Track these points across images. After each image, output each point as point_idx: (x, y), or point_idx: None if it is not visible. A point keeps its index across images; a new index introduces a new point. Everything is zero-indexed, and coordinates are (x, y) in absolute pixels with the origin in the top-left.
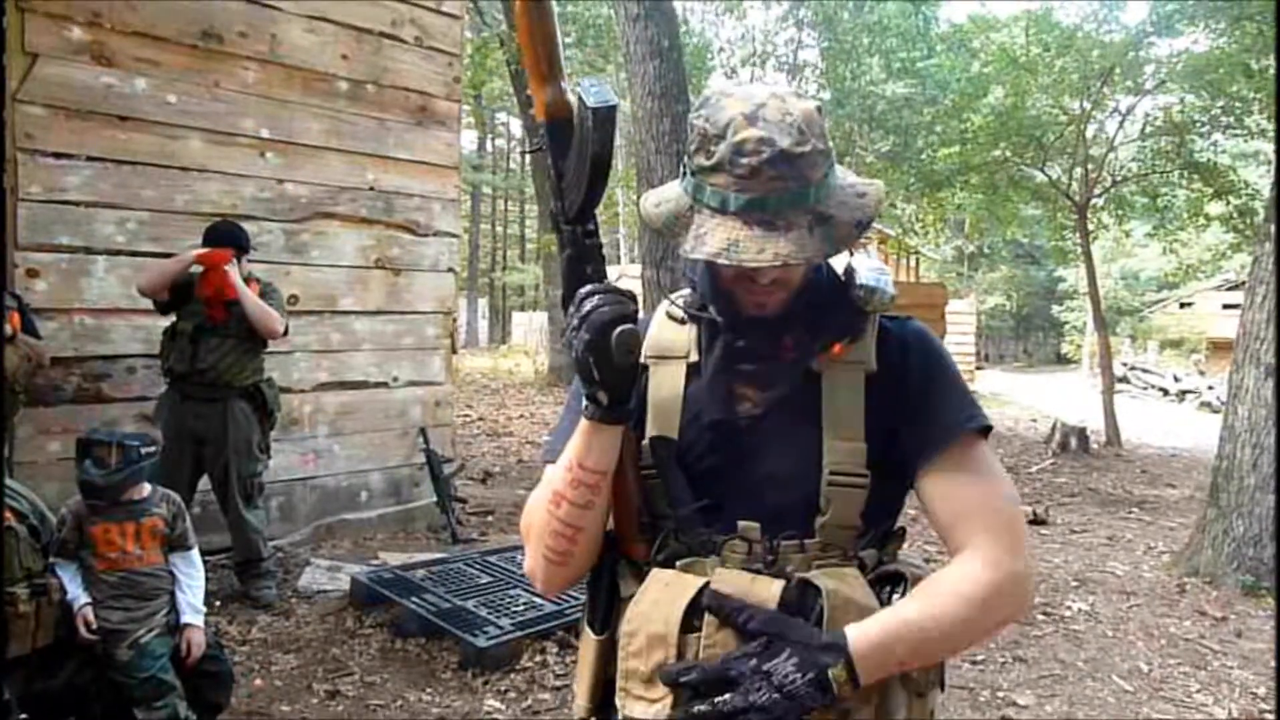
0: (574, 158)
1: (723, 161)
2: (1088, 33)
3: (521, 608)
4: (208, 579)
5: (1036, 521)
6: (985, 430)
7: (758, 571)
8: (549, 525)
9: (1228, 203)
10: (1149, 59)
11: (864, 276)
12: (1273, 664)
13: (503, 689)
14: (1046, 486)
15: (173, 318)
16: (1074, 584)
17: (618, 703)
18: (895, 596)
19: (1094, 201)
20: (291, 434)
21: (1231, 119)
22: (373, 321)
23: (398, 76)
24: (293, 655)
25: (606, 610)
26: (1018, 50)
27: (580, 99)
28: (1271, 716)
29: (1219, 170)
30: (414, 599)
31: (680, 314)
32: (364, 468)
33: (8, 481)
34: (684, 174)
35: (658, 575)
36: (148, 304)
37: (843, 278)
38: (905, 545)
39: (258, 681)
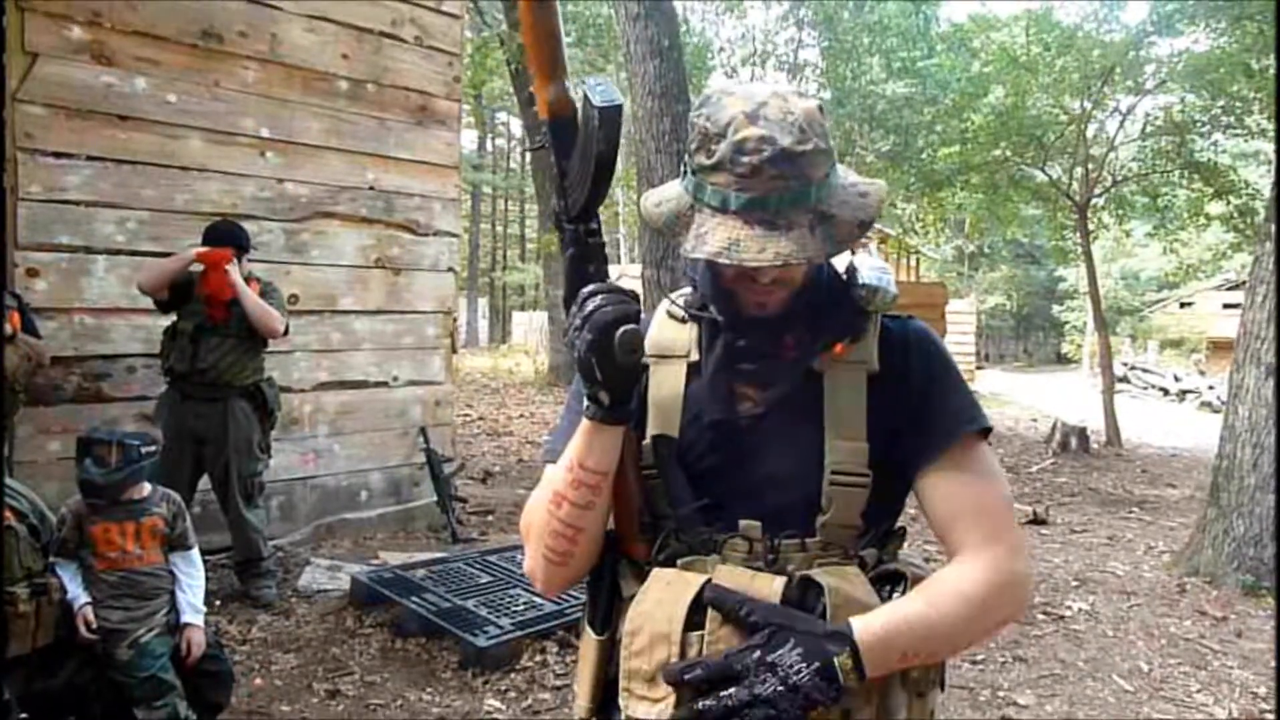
0: (578, 156)
1: (723, 160)
2: (1088, 32)
3: (522, 607)
4: (208, 578)
5: (1036, 521)
6: (986, 431)
7: (758, 569)
8: (549, 525)
9: (1228, 202)
10: (1149, 58)
11: (866, 276)
12: (1273, 664)
13: (503, 689)
14: (1047, 486)
15: (173, 317)
16: (1074, 584)
17: (621, 703)
18: (895, 595)
19: (1094, 201)
20: (292, 433)
21: (1232, 119)
22: (373, 321)
23: (398, 76)
24: (293, 655)
25: (607, 610)
26: (1018, 50)
27: (586, 98)
28: (1272, 716)
29: (1219, 170)
30: (414, 598)
31: (681, 313)
32: (364, 467)
33: (8, 481)
34: (685, 173)
35: (659, 574)
36: (148, 303)
37: (844, 277)
38: (905, 545)
39: (258, 681)
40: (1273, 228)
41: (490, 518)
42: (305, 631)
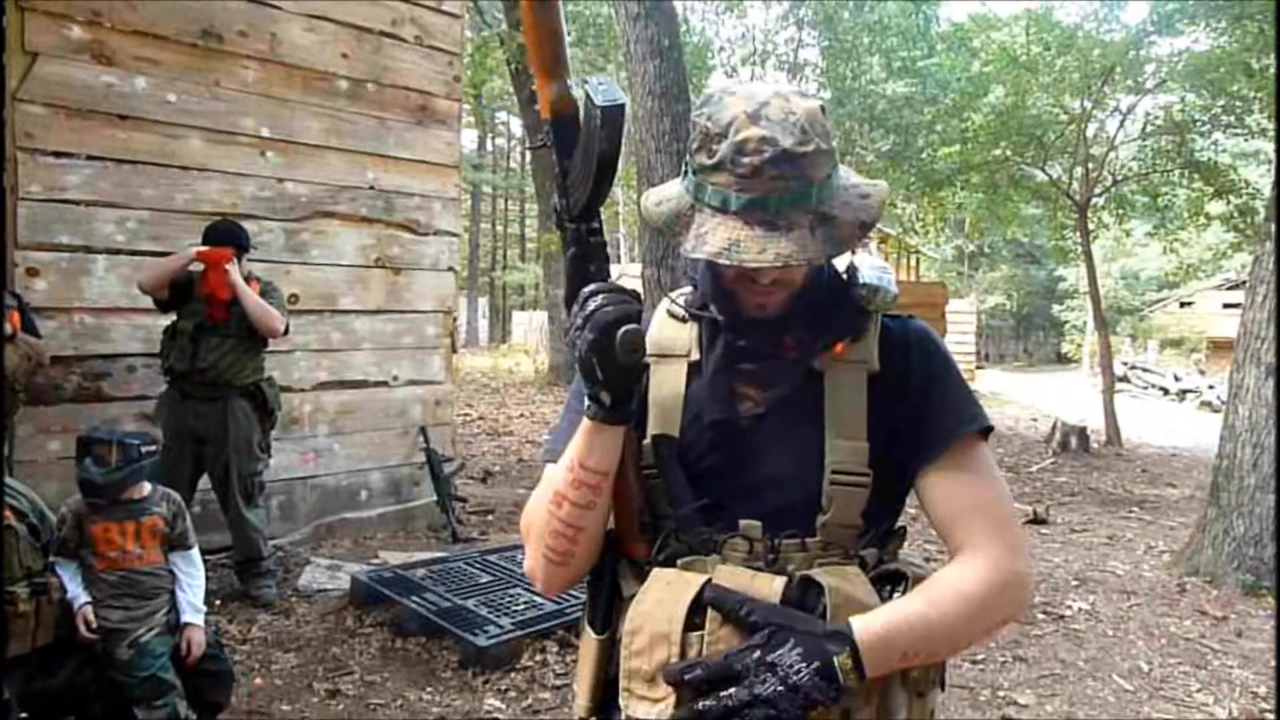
0: (580, 155)
1: (724, 160)
2: (1088, 32)
3: (522, 607)
4: (208, 578)
5: (1037, 521)
6: (986, 431)
7: (759, 569)
8: (550, 525)
9: (1228, 202)
10: (1150, 58)
11: (866, 275)
12: (1273, 663)
13: (503, 688)
14: (1047, 486)
15: (173, 316)
16: (1074, 583)
17: (621, 703)
18: (896, 595)
19: (1094, 201)
20: (292, 433)
21: (1232, 118)
22: (373, 320)
23: (398, 75)
24: (293, 654)
25: (607, 610)
26: (1018, 49)
27: (588, 97)
28: (1272, 716)
29: (1219, 169)
30: (414, 598)
31: (681, 312)
32: (364, 467)
33: (8, 480)
34: (685, 172)
35: (659, 574)
36: (148, 303)
37: (845, 277)
38: (905, 545)
39: (258, 680)
40: (1273, 227)
41: (490, 517)
42: (305, 631)
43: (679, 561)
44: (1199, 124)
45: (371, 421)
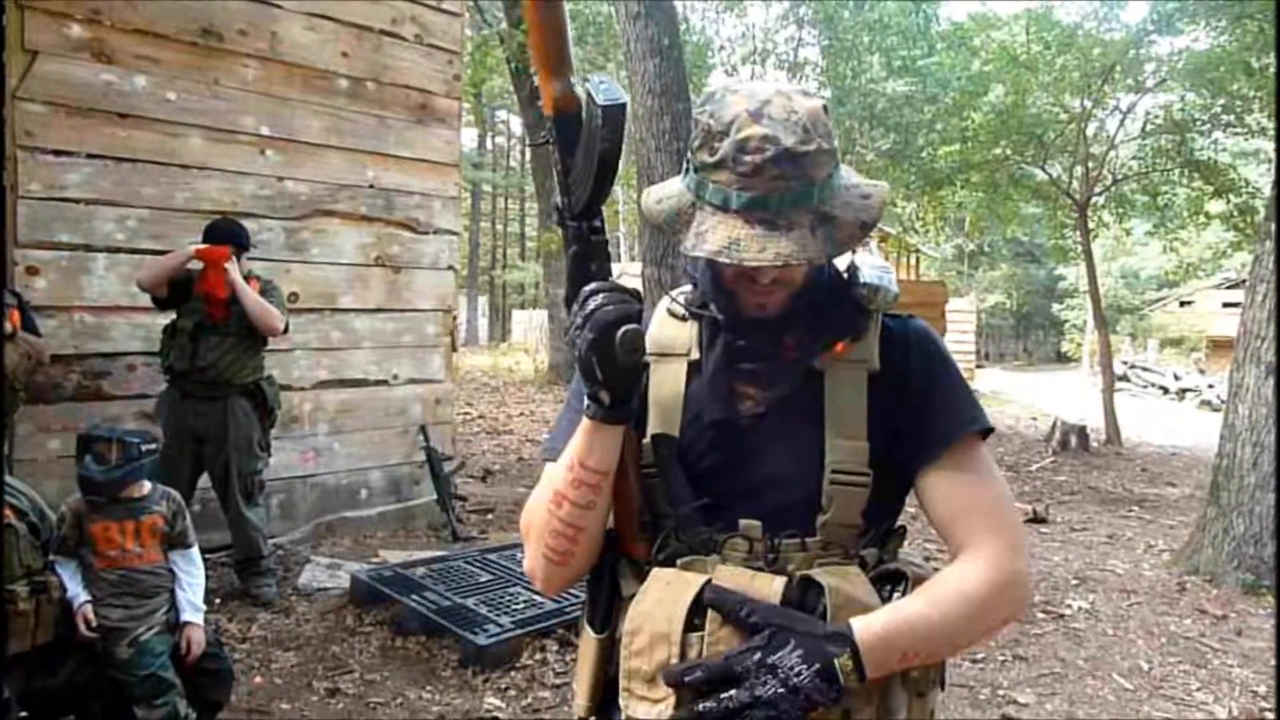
0: (581, 154)
1: (725, 158)
2: (1088, 31)
3: (521, 605)
4: (208, 577)
5: (1036, 520)
6: (986, 432)
7: (759, 569)
8: (550, 525)
9: (1228, 201)
10: (1150, 57)
11: (867, 275)
12: (1273, 662)
13: (503, 687)
14: (1047, 485)
15: (172, 315)
16: (1074, 582)
17: (620, 703)
18: (896, 595)
19: (1094, 200)
20: (292, 432)
21: (1232, 117)
22: (373, 319)
23: (398, 74)
24: (293, 653)
25: (607, 609)
26: (1018, 48)
27: (590, 96)
28: (1272, 715)
29: (1219, 168)
30: (414, 597)
31: (681, 311)
32: (364, 465)
33: (7, 479)
34: (686, 170)
35: (659, 574)
36: (148, 302)
37: (846, 276)
38: (905, 544)
39: (258, 679)
40: (1273, 226)
41: (490, 516)
42: (305, 630)
43: (679, 561)
44: (1199, 123)
45: (371, 420)
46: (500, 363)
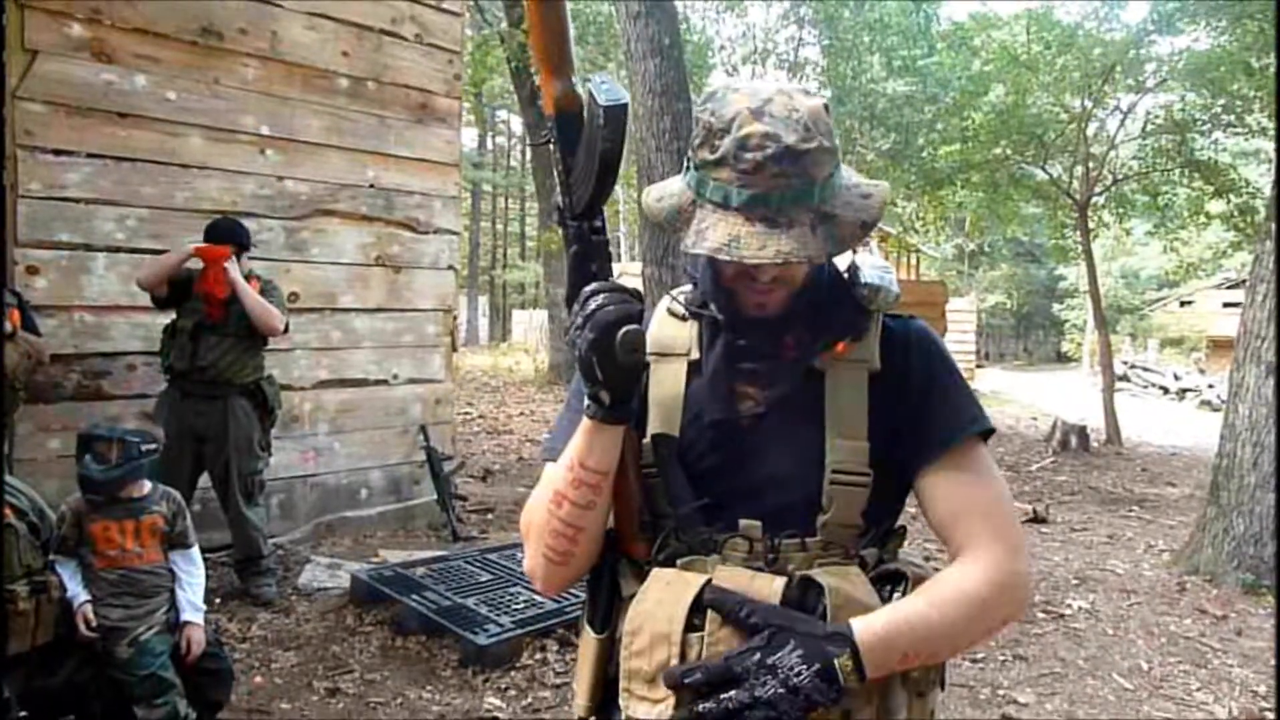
0: (583, 153)
1: (726, 156)
2: (1089, 31)
3: (522, 605)
4: (208, 576)
5: (1037, 520)
6: (987, 434)
7: (758, 569)
8: (549, 525)
9: (1228, 201)
10: (1150, 57)
11: (868, 275)
12: (1273, 662)
13: (503, 687)
14: (1047, 485)
15: (172, 315)
16: (1074, 582)
17: (621, 703)
18: (896, 595)
19: (1095, 200)
20: (292, 431)
21: (1232, 117)
22: (373, 319)
23: (398, 74)
24: (293, 653)
25: (607, 609)
26: (1019, 48)
27: (591, 95)
28: (1272, 715)
29: (1220, 168)
30: (414, 597)
31: (681, 311)
32: (364, 465)
33: (7, 478)
34: (687, 168)
35: (659, 574)
36: (148, 301)
37: (846, 276)
38: (905, 544)
39: (258, 679)
40: (1273, 226)
41: (490, 516)
42: (305, 629)
43: (679, 561)
44: (1199, 123)
45: (371, 420)
46: (500, 362)
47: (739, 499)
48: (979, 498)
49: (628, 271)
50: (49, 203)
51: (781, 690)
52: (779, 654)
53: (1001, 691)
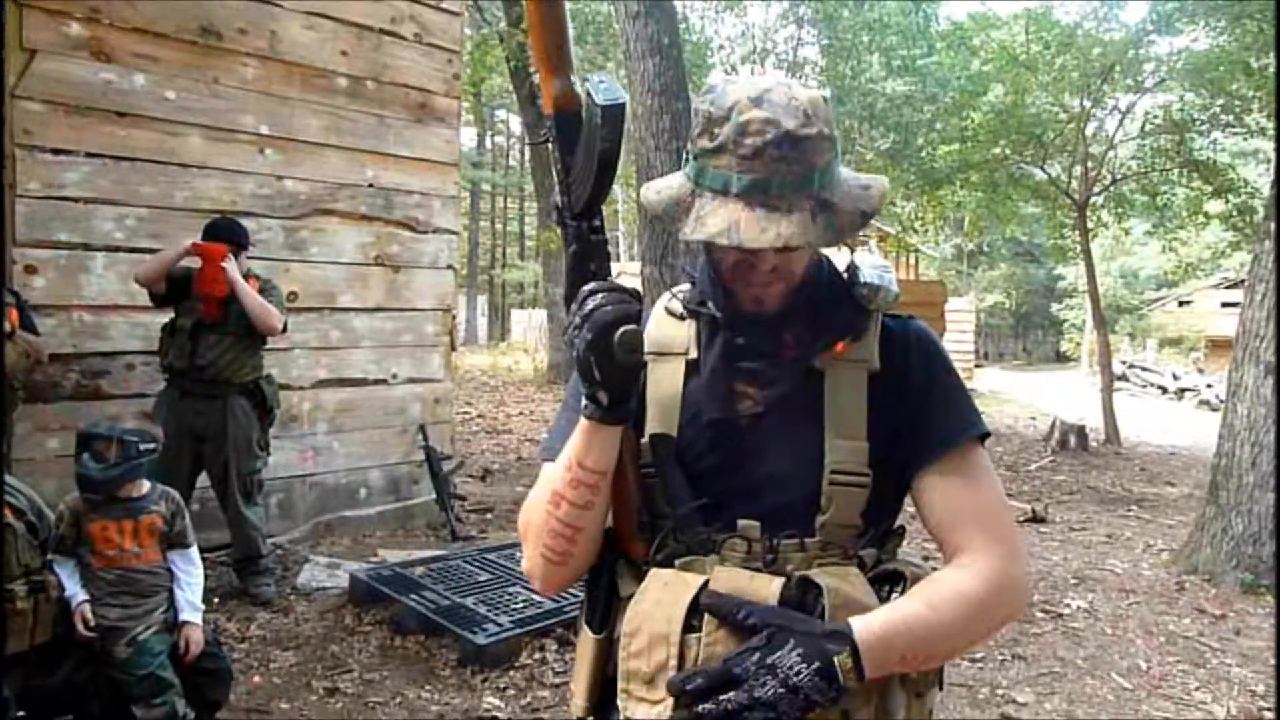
0: (581, 153)
1: (726, 143)
2: (1088, 31)
3: (521, 605)
4: (206, 576)
5: (1035, 519)
6: (984, 437)
7: (757, 569)
8: (548, 525)
9: (1227, 201)
10: (1149, 57)
11: (868, 275)
12: (1272, 662)
13: (502, 686)
14: (1045, 484)
15: (171, 314)
16: (1073, 582)
17: (619, 703)
18: (895, 595)
19: (1093, 199)
20: (291, 431)
21: (1231, 117)
22: (372, 318)
23: (397, 73)
24: (292, 652)
25: (605, 609)
26: (1018, 48)
27: (589, 95)
28: (1271, 714)
29: (1219, 168)
30: (413, 596)
31: (679, 309)
32: (363, 465)
33: (6, 478)
34: (686, 160)
35: (657, 574)
36: (147, 301)
37: (846, 276)
38: (905, 544)
39: (256, 679)
40: (1272, 226)
41: (489, 515)
42: (304, 629)
43: (677, 561)
44: (1198, 123)
45: (370, 419)
46: (499, 362)
47: (737, 499)
48: (977, 500)
49: (626, 271)
50: (48, 202)
51: (781, 690)
52: (778, 653)
53: (1000, 691)
